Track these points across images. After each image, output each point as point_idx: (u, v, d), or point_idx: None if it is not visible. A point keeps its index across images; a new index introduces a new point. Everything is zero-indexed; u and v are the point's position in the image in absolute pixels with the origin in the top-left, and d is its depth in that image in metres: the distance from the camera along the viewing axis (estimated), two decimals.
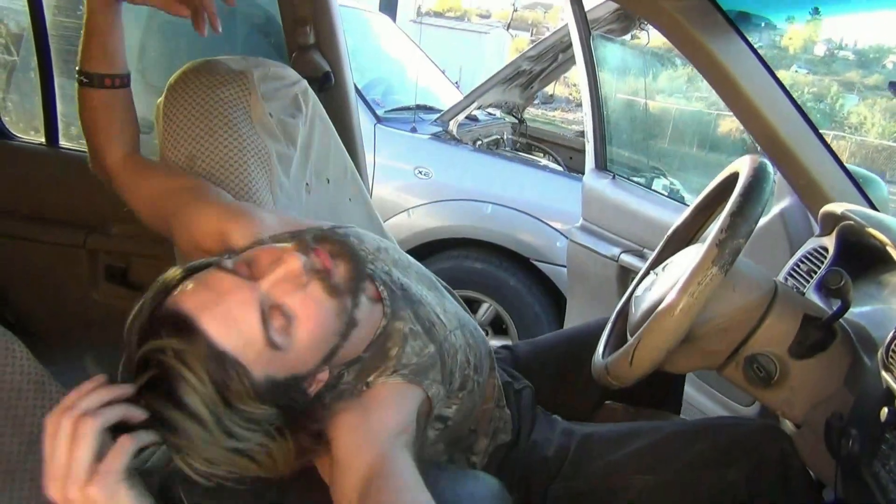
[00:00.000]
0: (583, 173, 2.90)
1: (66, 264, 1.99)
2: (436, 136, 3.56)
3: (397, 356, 1.11)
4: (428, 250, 3.38)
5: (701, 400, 2.08)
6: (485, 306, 3.32)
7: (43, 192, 2.03)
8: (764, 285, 1.23)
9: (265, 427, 0.93)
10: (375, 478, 0.92)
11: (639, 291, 1.37)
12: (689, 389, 2.07)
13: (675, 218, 1.49)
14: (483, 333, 1.39)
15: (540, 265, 3.29)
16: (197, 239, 1.20)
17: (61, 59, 2.09)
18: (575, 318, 2.62)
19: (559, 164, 4.10)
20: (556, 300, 3.31)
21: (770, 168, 1.21)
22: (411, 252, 1.38)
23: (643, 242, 2.31)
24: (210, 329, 0.89)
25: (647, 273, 1.46)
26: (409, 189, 3.48)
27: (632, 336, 1.27)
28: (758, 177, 1.18)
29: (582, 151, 4.43)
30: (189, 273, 0.98)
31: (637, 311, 1.31)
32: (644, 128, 3.27)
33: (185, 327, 0.89)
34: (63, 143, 2.14)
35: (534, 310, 3.28)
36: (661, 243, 1.53)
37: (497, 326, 3.36)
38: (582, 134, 4.90)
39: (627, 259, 2.32)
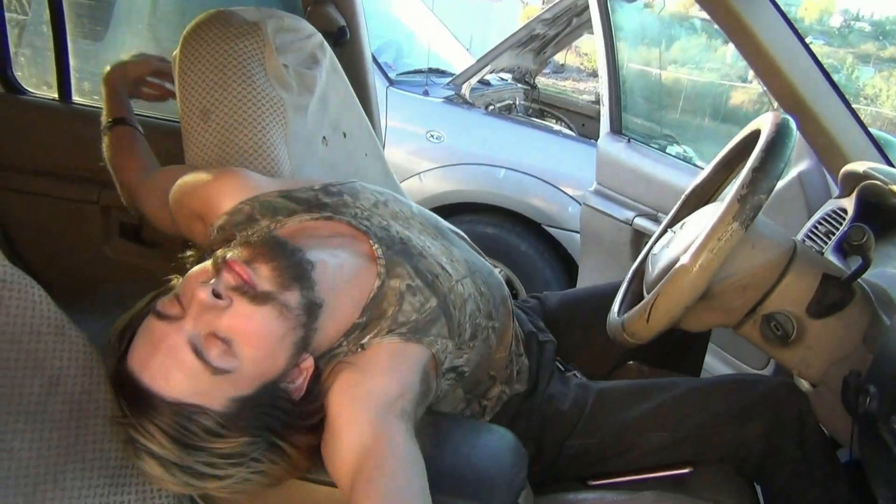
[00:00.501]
0: (595, 140, 2.88)
1: (79, 220, 1.99)
2: (448, 100, 3.52)
3: (393, 315, 1.09)
4: (439, 214, 3.32)
5: (714, 364, 2.08)
6: (495, 272, 3.29)
7: (56, 147, 2.02)
8: (783, 244, 1.22)
9: (250, 457, 0.94)
10: (368, 461, 0.91)
11: (656, 250, 1.36)
12: None
13: (691, 182, 1.48)
14: (500, 279, 1.37)
15: (551, 230, 3.27)
16: (193, 213, 1.21)
17: (73, 14, 2.08)
18: (587, 283, 2.62)
19: (571, 131, 4.07)
20: (567, 266, 3.30)
21: (793, 124, 1.19)
22: None
23: (658, 206, 2.29)
24: (154, 385, 0.91)
25: (664, 232, 1.45)
26: (421, 153, 3.45)
27: (648, 293, 1.26)
28: (780, 132, 1.16)
29: (594, 118, 4.43)
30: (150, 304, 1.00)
31: (654, 269, 1.30)
32: (656, 97, 3.24)
33: (135, 392, 0.91)
34: (76, 98, 2.12)
35: (544, 275, 3.27)
36: (678, 202, 1.52)
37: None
38: (595, 101, 4.89)
39: (641, 223, 2.31)
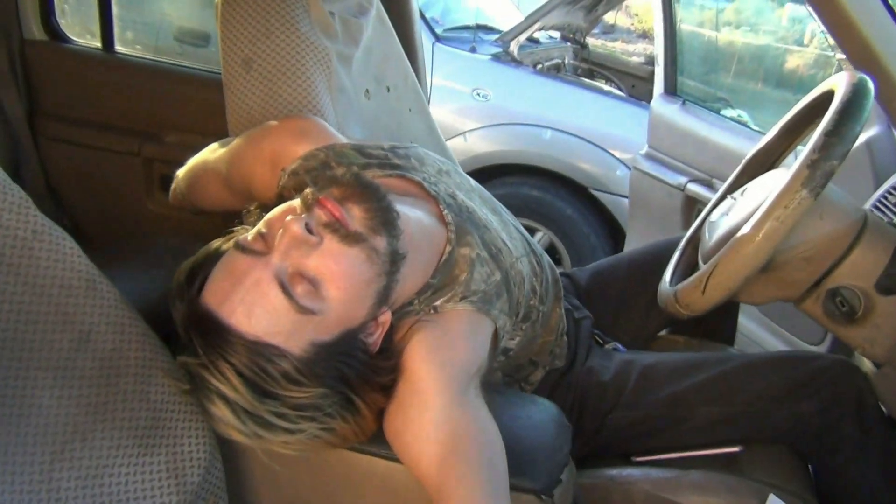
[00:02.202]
0: (647, 101, 2.77)
1: (121, 172, 1.97)
2: (495, 58, 3.44)
3: (465, 282, 1.04)
4: (483, 176, 3.28)
5: (761, 334, 2.00)
6: (539, 235, 3.25)
7: (98, 97, 1.99)
8: (853, 214, 1.14)
9: (324, 411, 0.88)
10: (460, 438, 0.87)
11: (713, 217, 1.29)
12: (745, 321, 2.00)
13: (750, 147, 1.40)
14: (550, 261, 1.32)
15: (598, 194, 3.19)
16: (261, 159, 1.14)
17: None
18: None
19: (621, 92, 3.95)
20: (612, 231, 3.23)
21: (870, 85, 1.10)
22: None
23: (712, 172, 2.20)
24: (233, 321, 0.85)
25: (722, 198, 1.37)
26: (466, 111, 3.38)
27: (705, 263, 1.19)
28: (857, 93, 1.08)
29: (645, 79, 4.32)
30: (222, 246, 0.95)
31: (712, 237, 1.23)
32: (710, 59, 3.11)
33: (211, 329, 0.86)
34: (119, 48, 2.10)
35: (589, 241, 3.20)
36: (738, 167, 1.43)
37: (551, 257, 3.26)
38: (645, 62, 4.75)
39: (694, 188, 2.22)
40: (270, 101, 1.22)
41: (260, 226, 0.91)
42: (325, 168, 1.08)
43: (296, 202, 0.92)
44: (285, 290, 0.85)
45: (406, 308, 1.01)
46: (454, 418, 0.89)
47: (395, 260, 0.93)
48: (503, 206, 1.30)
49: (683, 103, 2.43)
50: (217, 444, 0.98)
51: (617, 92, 3.87)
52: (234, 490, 1.01)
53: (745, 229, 1.07)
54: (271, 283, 0.86)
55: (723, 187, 1.43)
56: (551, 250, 3.27)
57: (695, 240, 1.40)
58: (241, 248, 0.88)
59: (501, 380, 1.22)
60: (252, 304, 0.85)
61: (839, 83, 1.13)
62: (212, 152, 1.24)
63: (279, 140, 1.12)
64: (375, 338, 0.95)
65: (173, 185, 1.31)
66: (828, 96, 1.16)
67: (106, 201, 2.02)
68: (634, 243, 2.60)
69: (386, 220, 0.92)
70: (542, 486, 0.92)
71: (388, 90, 1.48)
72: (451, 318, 1.01)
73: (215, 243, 0.96)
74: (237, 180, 1.17)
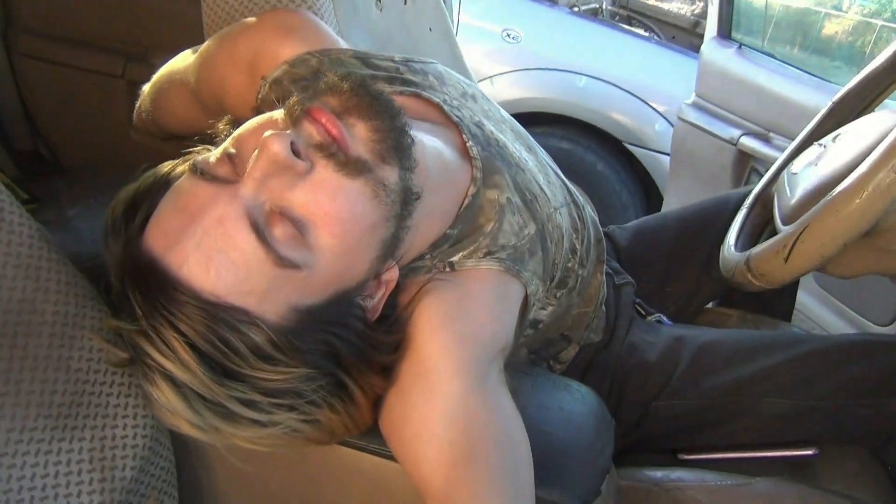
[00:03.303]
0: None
1: (103, 95, 1.75)
2: None
3: (492, 233, 0.82)
4: None
5: (819, 311, 1.76)
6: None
7: (79, 12, 1.77)
8: None
9: (308, 398, 0.66)
10: (477, 434, 0.67)
11: (796, 167, 1.05)
12: (802, 296, 1.77)
13: (816, 97, 1.17)
14: (594, 214, 1.08)
15: (634, 149, 2.93)
16: (237, 66, 0.88)
17: None
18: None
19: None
20: (647, 190, 2.99)
21: None
22: None
23: (770, 125, 1.94)
24: (185, 273, 0.62)
25: (804, 145, 1.14)
26: (495, 54, 3.11)
27: (787, 224, 0.96)
28: None
29: (686, 30, 4.03)
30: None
31: (794, 193, 0.99)
32: (745, 21, 2.86)
33: (155, 282, 0.63)
34: None
35: (621, 199, 2.96)
36: (822, 112, 1.20)
37: None
38: (688, 12, 4.45)
39: (749, 142, 1.96)
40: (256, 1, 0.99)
41: (227, 143, 0.68)
42: (317, 78, 0.83)
43: (277, 113, 0.69)
44: (259, 232, 0.63)
45: (416, 263, 0.79)
46: (470, 411, 0.67)
47: (407, 200, 0.70)
48: (538, 144, 1.05)
49: (739, 48, 2.16)
50: (165, 429, 0.76)
51: (658, 39, 3.58)
52: (188, 487, 0.80)
53: (847, 183, 0.84)
54: (239, 222, 0.63)
55: (803, 133, 1.20)
56: None
57: (766, 196, 1.17)
58: (200, 171, 0.65)
59: (527, 357, 1.00)
60: (212, 251, 0.62)
61: None
62: (182, 60, 1.00)
63: (259, 38, 0.87)
64: (376, 301, 0.73)
65: (138, 103, 1.09)
66: None
67: (86, 127, 1.81)
68: (674, 203, 2.36)
69: (399, 145, 0.69)
70: (578, 501, 0.71)
71: (405, 2, 1.23)
72: (473, 279, 0.79)
73: (166, 166, 0.74)
74: (208, 93, 0.92)
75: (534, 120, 3.05)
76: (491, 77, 3.07)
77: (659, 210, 2.68)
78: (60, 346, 0.69)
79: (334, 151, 0.65)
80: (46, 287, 0.69)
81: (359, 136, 0.67)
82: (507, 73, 3.07)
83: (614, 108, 2.95)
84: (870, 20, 2.47)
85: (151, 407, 0.66)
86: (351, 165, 0.66)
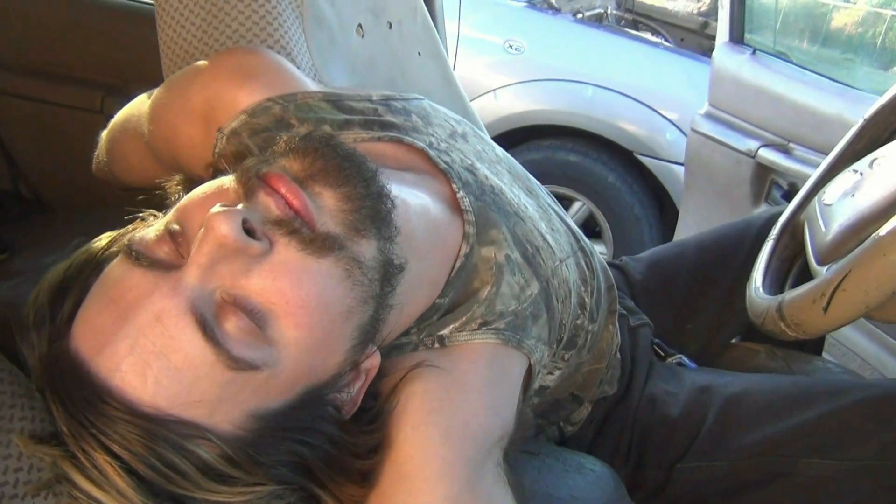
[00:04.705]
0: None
1: (81, 130, 1.64)
2: (531, 4, 3.15)
3: (489, 299, 0.71)
4: (514, 138, 2.97)
5: (855, 337, 1.64)
6: (577, 205, 2.92)
7: (56, 43, 1.70)
8: None
9: None
10: None
11: (828, 197, 0.94)
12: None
13: (839, 105, 1.06)
14: (602, 260, 0.97)
15: (645, 160, 2.84)
16: (189, 116, 0.78)
17: None
18: (690, 227, 2.19)
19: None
20: (660, 202, 2.90)
21: None
22: (496, 141, 0.93)
23: (790, 135, 1.83)
24: (118, 383, 0.52)
25: (834, 169, 1.03)
26: (498, 66, 3.03)
27: (824, 264, 0.85)
28: None
29: (695, 32, 3.94)
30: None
31: (831, 228, 0.88)
32: (749, 14, 2.78)
33: (82, 392, 0.52)
34: None
35: (633, 211, 2.87)
36: (852, 130, 1.08)
37: (590, 229, 2.94)
38: (696, 13, 4.35)
39: (768, 155, 1.85)
40: (212, 30, 0.89)
41: (169, 217, 0.57)
42: (280, 127, 0.74)
43: (229, 180, 0.58)
44: (207, 330, 0.52)
45: (400, 340, 0.68)
46: None
47: (388, 276, 0.60)
48: (539, 185, 0.94)
49: (753, 53, 2.05)
50: None
51: (666, 44, 3.49)
52: None
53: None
54: (182, 319, 0.52)
55: (832, 155, 1.09)
56: (590, 222, 2.95)
57: (794, 225, 1.05)
58: (136, 256, 0.54)
59: (532, 421, 0.90)
60: (149, 355, 0.52)
61: None
62: (137, 106, 0.90)
63: (214, 85, 0.77)
64: (355, 394, 0.62)
65: (96, 152, 0.99)
66: None
67: (67, 164, 1.72)
68: (690, 219, 2.25)
69: (376, 213, 0.59)
70: None
71: (390, 27, 1.12)
72: (465, 358, 0.68)
73: (104, 238, 0.64)
74: (161, 145, 0.82)
75: (540, 133, 3.00)
76: (494, 90, 2.99)
77: (674, 221, 2.58)
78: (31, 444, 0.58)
79: (297, 227, 0.55)
80: None
81: (326, 207, 0.57)
82: (511, 85, 2.99)
83: (623, 118, 2.88)
84: (880, 10, 2.41)
85: None
86: (318, 242, 0.55)
